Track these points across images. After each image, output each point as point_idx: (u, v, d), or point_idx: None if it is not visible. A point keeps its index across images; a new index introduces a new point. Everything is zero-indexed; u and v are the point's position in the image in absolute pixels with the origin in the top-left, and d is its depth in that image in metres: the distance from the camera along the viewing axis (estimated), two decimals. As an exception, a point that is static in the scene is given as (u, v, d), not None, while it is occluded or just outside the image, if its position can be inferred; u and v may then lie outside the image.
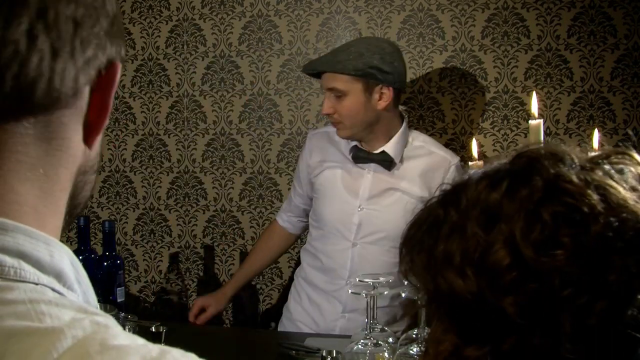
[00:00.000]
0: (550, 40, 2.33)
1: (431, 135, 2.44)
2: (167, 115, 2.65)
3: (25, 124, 0.47)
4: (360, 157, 1.91)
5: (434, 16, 2.40)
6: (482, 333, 0.65)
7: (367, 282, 1.43)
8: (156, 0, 2.60)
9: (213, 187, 2.64)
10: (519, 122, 2.39)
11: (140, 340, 0.44)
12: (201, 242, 2.67)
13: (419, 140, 1.95)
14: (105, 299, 1.73)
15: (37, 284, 0.45)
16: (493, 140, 2.40)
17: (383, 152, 1.89)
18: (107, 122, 0.54)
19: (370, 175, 1.92)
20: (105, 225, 1.79)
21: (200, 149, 2.63)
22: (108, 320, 0.44)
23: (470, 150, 1.56)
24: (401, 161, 1.90)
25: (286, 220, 2.16)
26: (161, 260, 2.70)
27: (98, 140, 0.55)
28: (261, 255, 2.18)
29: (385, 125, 1.90)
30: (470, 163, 1.41)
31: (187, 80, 2.61)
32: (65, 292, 0.48)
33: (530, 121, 1.30)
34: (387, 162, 1.89)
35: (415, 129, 2.45)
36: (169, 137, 2.66)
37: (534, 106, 1.31)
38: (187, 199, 2.66)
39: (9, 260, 0.44)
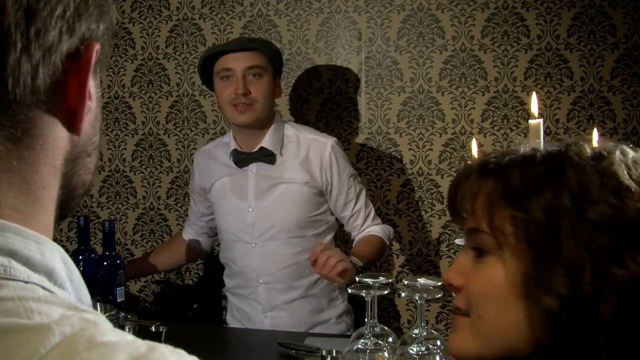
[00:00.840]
0: (550, 39, 2.33)
1: (431, 135, 2.44)
2: (167, 115, 2.65)
3: None
4: (241, 159, 1.97)
5: (434, 16, 2.40)
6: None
7: (367, 282, 1.43)
8: (156, 0, 2.60)
9: (213, 187, 2.64)
10: (519, 122, 2.39)
11: (129, 337, 0.43)
12: (201, 241, 2.66)
13: (293, 130, 2.00)
14: (105, 298, 1.73)
15: (27, 282, 0.45)
16: (493, 140, 2.40)
17: (262, 148, 1.95)
18: (90, 105, 0.51)
19: (253, 175, 1.97)
20: (105, 225, 1.78)
21: (199, 148, 2.63)
22: (97, 318, 0.44)
23: (470, 150, 1.56)
24: (281, 153, 1.96)
25: (187, 232, 2.26)
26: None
27: (88, 123, 0.52)
28: (156, 263, 2.23)
29: (269, 119, 1.96)
30: (470, 163, 1.41)
31: (187, 79, 2.61)
32: (56, 290, 0.47)
33: (530, 121, 1.30)
34: (268, 157, 1.95)
35: (415, 129, 2.46)
36: (169, 136, 2.65)
37: (534, 106, 1.31)
38: (187, 199, 2.66)
39: None
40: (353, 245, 2.03)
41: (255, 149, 1.95)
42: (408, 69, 2.43)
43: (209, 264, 2.66)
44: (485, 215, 0.73)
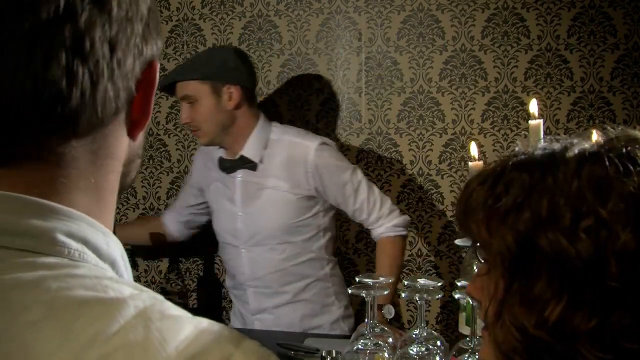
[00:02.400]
0: (550, 40, 2.33)
1: (431, 135, 2.44)
2: (167, 115, 2.65)
3: (73, 143, 0.51)
4: (226, 167, 1.97)
5: (434, 16, 2.40)
6: (591, 302, 0.62)
7: (367, 282, 1.43)
8: (156, 1, 2.60)
9: (213, 187, 2.64)
10: (519, 122, 2.39)
11: (190, 314, 0.51)
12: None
13: (278, 134, 1.96)
14: None
15: (97, 266, 0.51)
16: (493, 140, 2.40)
17: (241, 156, 1.93)
18: (150, 116, 0.58)
19: (239, 181, 1.96)
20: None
21: (200, 148, 2.63)
22: (161, 297, 0.51)
23: (469, 152, 1.56)
24: (262, 160, 1.93)
25: (168, 219, 2.27)
26: (161, 260, 2.70)
27: (143, 131, 0.59)
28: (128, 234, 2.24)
29: (241, 126, 1.93)
30: (470, 163, 1.41)
31: (187, 80, 2.61)
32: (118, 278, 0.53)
33: (530, 121, 1.30)
34: (249, 164, 1.93)
35: (415, 129, 2.45)
36: (169, 137, 2.65)
37: (533, 107, 1.31)
38: (187, 199, 2.66)
39: (74, 244, 0.50)
40: (376, 260, 2.02)
41: (236, 157, 1.95)
42: (408, 69, 2.44)
43: (209, 264, 2.66)
44: (479, 229, 0.71)
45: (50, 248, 0.49)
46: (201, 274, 2.67)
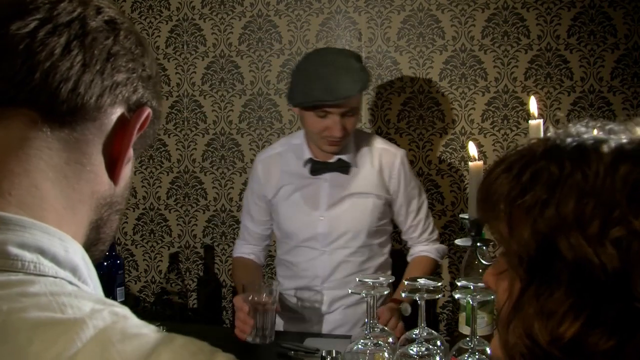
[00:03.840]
0: (550, 40, 2.33)
1: (431, 135, 2.44)
2: (167, 115, 2.65)
3: (51, 127, 0.51)
4: (318, 169, 1.92)
5: (434, 16, 2.40)
6: (612, 320, 0.56)
7: (367, 282, 1.43)
8: (156, 0, 2.60)
9: (213, 187, 2.64)
10: (519, 122, 2.39)
11: (157, 329, 0.47)
12: (201, 242, 2.67)
13: (365, 139, 1.98)
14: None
15: (55, 277, 0.48)
16: (493, 140, 2.40)
17: (339, 159, 1.91)
18: (130, 156, 0.58)
19: (327, 184, 1.93)
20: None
21: (200, 148, 2.63)
22: (125, 311, 0.47)
23: (467, 151, 1.56)
24: (356, 164, 1.93)
25: (250, 252, 2.09)
26: (161, 260, 2.70)
27: (124, 178, 0.59)
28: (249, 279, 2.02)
29: None
30: (470, 163, 1.41)
31: (187, 80, 2.61)
32: (81, 285, 0.50)
33: (530, 121, 1.30)
34: (344, 168, 1.91)
35: (415, 129, 2.46)
36: (169, 137, 2.65)
37: (533, 107, 1.31)
38: (187, 199, 2.66)
39: (28, 255, 0.47)
40: (407, 267, 2.02)
41: (333, 160, 1.92)
42: (408, 69, 2.44)
43: (209, 264, 2.66)
44: (499, 223, 0.64)
45: (2, 263, 0.46)
46: (201, 274, 2.67)
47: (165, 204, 2.69)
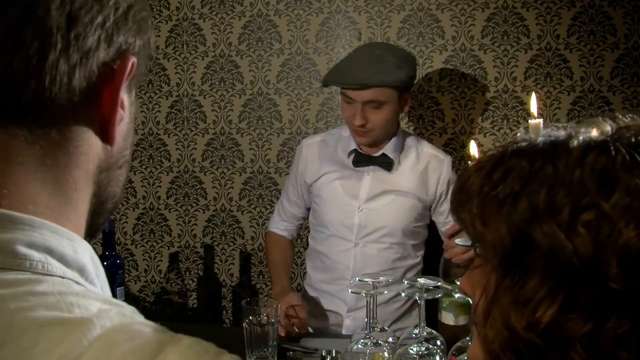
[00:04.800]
0: (550, 39, 2.33)
1: (431, 135, 2.44)
2: (167, 114, 2.65)
3: (26, 125, 0.48)
4: (361, 160, 1.95)
5: (434, 16, 2.40)
6: (588, 304, 0.57)
7: (367, 281, 1.43)
8: (156, 0, 2.60)
9: (213, 187, 2.64)
10: (519, 122, 2.39)
11: (164, 329, 0.46)
12: (201, 241, 2.67)
13: (413, 141, 2.00)
14: None
15: (63, 277, 0.47)
16: (493, 140, 2.40)
17: (383, 154, 1.94)
18: (122, 115, 0.53)
19: (369, 177, 1.96)
20: (105, 225, 1.77)
21: (200, 148, 2.63)
22: (133, 311, 0.47)
23: (468, 151, 1.56)
24: (399, 162, 1.95)
25: (284, 229, 2.15)
26: (161, 260, 2.70)
27: (120, 135, 0.54)
28: (285, 266, 2.11)
29: (395, 129, 1.96)
30: (470, 163, 1.41)
31: (187, 79, 2.61)
32: (88, 286, 0.50)
33: (530, 120, 1.30)
34: (387, 164, 1.94)
35: (415, 128, 2.46)
36: (169, 136, 2.65)
37: (533, 106, 1.31)
38: (187, 199, 2.66)
39: (36, 255, 0.46)
40: None
41: (377, 154, 1.95)
42: (408, 68, 2.43)
43: (209, 264, 2.66)
44: (473, 218, 0.65)
45: (10, 262, 0.45)
46: (201, 274, 2.67)
47: (165, 203, 2.68)
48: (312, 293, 2.05)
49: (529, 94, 2.35)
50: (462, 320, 1.55)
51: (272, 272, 2.11)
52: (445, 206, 1.98)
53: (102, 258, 1.75)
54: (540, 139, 0.65)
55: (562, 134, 0.65)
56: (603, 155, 0.60)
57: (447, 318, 1.56)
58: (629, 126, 0.64)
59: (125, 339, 0.43)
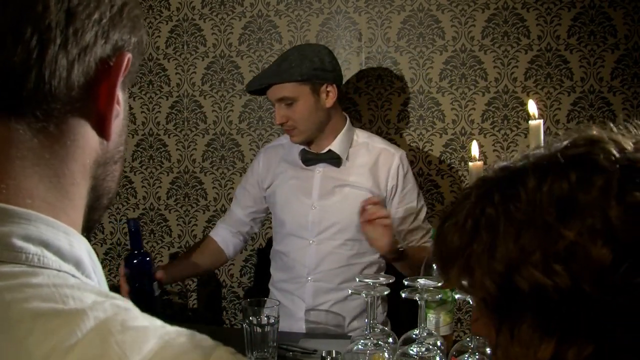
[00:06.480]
0: (550, 40, 2.33)
1: (431, 135, 2.44)
2: (167, 115, 2.65)
3: (25, 119, 0.48)
4: (309, 159, 2.00)
5: (434, 16, 2.40)
6: (584, 332, 0.59)
7: (367, 282, 1.43)
8: (156, 0, 2.60)
9: (213, 187, 2.64)
10: (519, 122, 2.39)
11: (159, 322, 0.47)
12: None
13: (364, 137, 2.03)
14: (141, 295, 1.69)
15: (59, 270, 0.48)
16: (493, 140, 2.40)
17: (330, 150, 1.98)
18: (118, 110, 0.54)
19: (319, 175, 2.00)
20: (130, 224, 1.76)
21: (200, 149, 2.63)
22: (127, 304, 0.47)
23: (470, 151, 1.56)
24: (347, 158, 1.99)
25: (221, 236, 2.15)
26: (161, 261, 2.70)
27: (116, 131, 0.55)
28: (187, 260, 2.12)
29: (333, 124, 1.98)
30: (470, 164, 1.41)
31: (187, 80, 2.61)
32: (84, 279, 0.50)
33: (530, 121, 1.30)
34: (335, 160, 1.98)
35: (415, 129, 2.46)
36: (169, 137, 2.65)
37: (532, 108, 1.31)
38: (187, 199, 2.66)
39: (32, 248, 0.47)
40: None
41: (324, 151, 1.98)
42: (408, 69, 2.44)
43: (209, 264, 2.66)
44: (460, 275, 0.68)
45: (7, 254, 0.46)
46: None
47: (165, 204, 2.69)
48: (274, 293, 2.08)
49: (529, 94, 2.35)
50: (445, 330, 1.53)
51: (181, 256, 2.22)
52: (397, 206, 1.99)
53: (131, 257, 1.74)
54: (499, 173, 0.67)
55: (516, 159, 0.67)
56: (556, 181, 0.61)
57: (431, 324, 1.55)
58: (577, 140, 0.65)
59: (119, 330, 0.43)
